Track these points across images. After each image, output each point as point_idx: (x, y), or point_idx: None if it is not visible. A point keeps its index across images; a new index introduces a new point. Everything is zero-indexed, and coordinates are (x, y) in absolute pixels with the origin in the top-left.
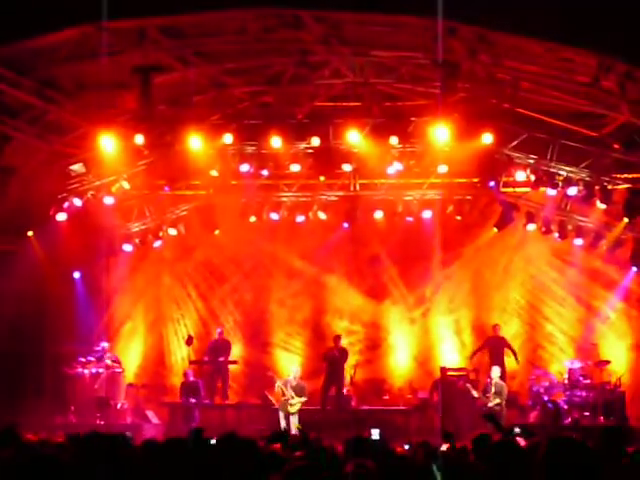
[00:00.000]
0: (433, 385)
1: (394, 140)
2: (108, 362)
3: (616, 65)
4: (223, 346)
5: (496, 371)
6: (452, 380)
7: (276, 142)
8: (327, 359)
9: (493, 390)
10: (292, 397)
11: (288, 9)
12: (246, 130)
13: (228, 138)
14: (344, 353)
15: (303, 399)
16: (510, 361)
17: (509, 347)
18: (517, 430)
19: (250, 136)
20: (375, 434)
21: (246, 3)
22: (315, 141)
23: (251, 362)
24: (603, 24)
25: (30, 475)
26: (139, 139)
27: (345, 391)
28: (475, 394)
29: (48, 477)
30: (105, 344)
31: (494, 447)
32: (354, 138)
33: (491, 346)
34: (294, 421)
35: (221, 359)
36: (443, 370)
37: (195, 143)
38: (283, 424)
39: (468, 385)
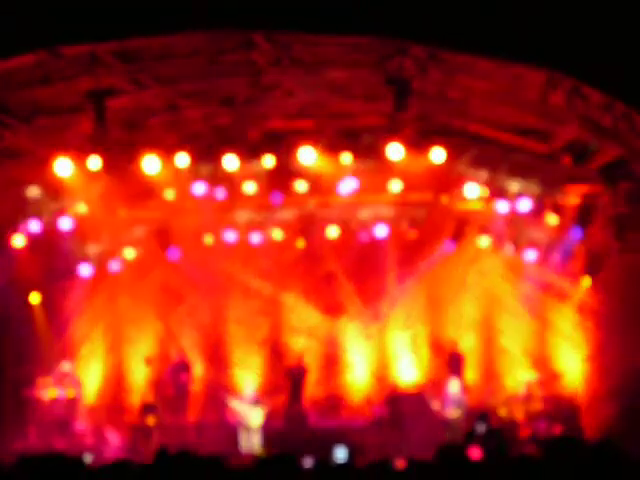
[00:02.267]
0: (385, 401)
1: (347, 157)
2: (69, 383)
3: (564, 81)
4: (182, 366)
5: (455, 384)
6: (406, 395)
7: (230, 162)
8: (289, 377)
9: (453, 404)
10: (250, 411)
11: (240, 31)
12: (201, 151)
13: (184, 159)
14: (305, 371)
15: (262, 410)
16: (467, 375)
17: (462, 364)
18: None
19: (205, 157)
20: (340, 453)
21: (198, 26)
22: (268, 161)
23: (210, 381)
24: (551, 40)
25: None
26: (94, 163)
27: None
28: (435, 406)
29: None
30: (67, 365)
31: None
32: (308, 156)
33: (450, 361)
34: (255, 440)
35: (182, 378)
36: (393, 385)
37: (151, 165)
38: (244, 441)
39: (428, 398)
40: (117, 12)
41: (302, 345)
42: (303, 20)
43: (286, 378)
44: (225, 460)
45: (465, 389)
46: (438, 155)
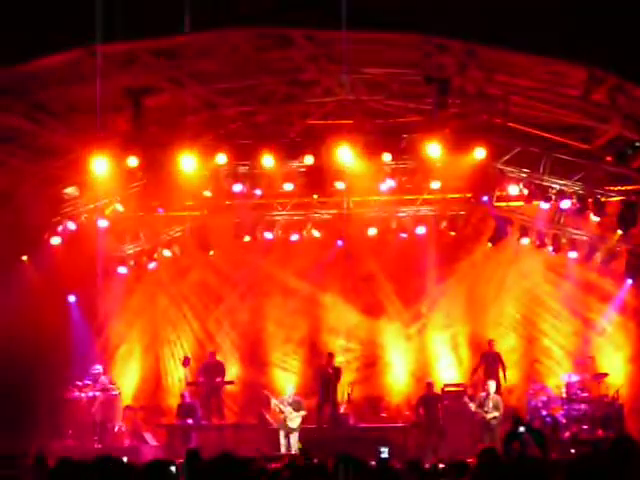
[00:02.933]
0: (419, 401)
1: (387, 157)
2: (103, 385)
3: (607, 78)
4: (215, 367)
5: (492, 385)
6: (438, 395)
7: (268, 161)
8: (320, 378)
9: (491, 404)
10: (290, 413)
11: (278, 28)
12: (239, 150)
13: (221, 158)
14: (338, 371)
15: (302, 413)
16: (508, 376)
17: (502, 364)
18: (522, 429)
19: (243, 156)
20: (384, 452)
21: (236, 24)
22: (308, 159)
23: (248, 382)
24: (594, 37)
25: None
26: (132, 161)
27: (342, 409)
28: (473, 408)
29: None
30: (99, 367)
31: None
32: (346, 156)
33: (486, 361)
34: (294, 440)
35: (218, 379)
36: (429, 385)
37: (188, 164)
38: (283, 443)
39: (466, 399)
40: (155, 10)
41: (340, 346)
42: (341, 18)
43: (316, 380)
44: (264, 462)
45: (504, 390)
46: (479, 153)
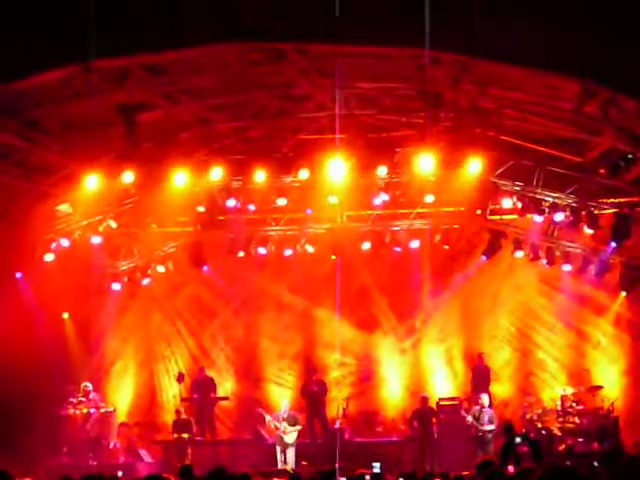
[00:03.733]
0: (413, 415)
1: (382, 171)
2: (95, 402)
3: (599, 91)
4: (206, 382)
5: (485, 399)
6: (433, 409)
7: (261, 176)
8: (305, 394)
9: (486, 418)
10: (285, 428)
11: (270, 43)
12: (232, 165)
13: (214, 174)
14: (322, 386)
15: (298, 427)
16: (502, 389)
17: (489, 378)
18: (518, 440)
19: (236, 171)
20: (376, 467)
21: (227, 38)
22: (303, 174)
23: (243, 398)
24: (586, 50)
25: None
26: (126, 177)
27: (338, 424)
28: (470, 420)
29: None
30: (88, 384)
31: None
32: (339, 170)
33: (476, 374)
34: (291, 455)
35: (210, 395)
36: (424, 399)
37: (181, 180)
38: (280, 458)
39: (463, 413)
40: (148, 26)
41: (335, 361)
42: (334, 32)
43: (304, 396)
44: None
45: (499, 403)
46: (472, 167)
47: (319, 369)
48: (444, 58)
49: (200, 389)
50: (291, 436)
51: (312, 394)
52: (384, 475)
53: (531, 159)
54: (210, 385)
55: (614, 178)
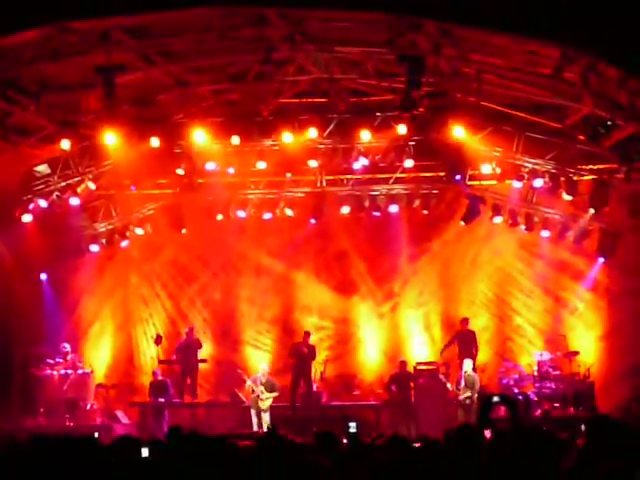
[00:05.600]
0: (390, 379)
1: (365, 135)
2: (73, 363)
3: (579, 57)
4: (193, 344)
5: (468, 364)
6: (411, 373)
7: (241, 140)
8: (295, 355)
9: (463, 383)
10: (262, 393)
11: (252, 7)
12: (212, 128)
13: (194, 136)
14: (312, 350)
15: (274, 394)
16: (479, 355)
17: (475, 343)
18: (496, 399)
19: (216, 134)
20: (352, 427)
21: (210, 1)
22: (286, 137)
23: (221, 360)
24: (566, 16)
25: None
26: (105, 139)
27: (315, 387)
28: (449, 387)
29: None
30: (67, 345)
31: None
32: (318, 134)
33: (460, 340)
34: (266, 418)
35: (194, 358)
36: (402, 364)
37: (160, 142)
38: (255, 421)
39: (442, 377)
40: None
41: (313, 324)
42: None
43: (293, 357)
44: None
45: (477, 368)
46: (454, 132)
47: (311, 333)
48: (425, 24)
49: (185, 351)
50: (267, 402)
51: (302, 355)
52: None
53: (511, 125)
54: (196, 347)
55: (593, 145)
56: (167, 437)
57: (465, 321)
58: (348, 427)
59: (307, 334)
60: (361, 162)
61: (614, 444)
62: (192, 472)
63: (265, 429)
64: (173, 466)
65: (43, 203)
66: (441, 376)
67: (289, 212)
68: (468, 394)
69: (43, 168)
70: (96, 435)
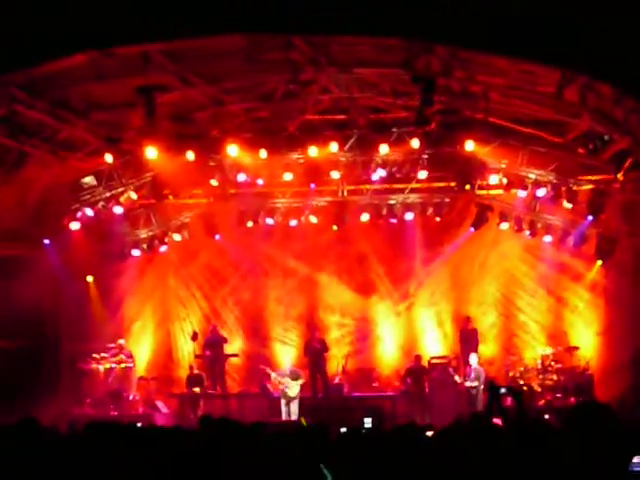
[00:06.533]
0: (406, 372)
1: (383, 148)
2: (123, 357)
3: (577, 77)
4: (219, 340)
5: (474, 357)
6: (425, 367)
7: (269, 153)
8: (308, 352)
9: (473, 375)
10: (289, 382)
11: (282, 34)
12: (242, 143)
13: (227, 150)
14: (323, 344)
15: (300, 381)
16: (487, 349)
17: (476, 339)
18: (503, 390)
19: (246, 148)
20: (368, 422)
21: (241, 29)
22: (310, 151)
23: (251, 355)
24: (565, 38)
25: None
26: (146, 153)
27: (337, 379)
28: (457, 379)
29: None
30: (122, 341)
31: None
32: (340, 148)
33: (463, 336)
34: (293, 408)
35: (220, 352)
36: (418, 358)
37: (195, 156)
38: (284, 410)
39: (451, 370)
40: (166, 14)
41: (335, 322)
42: (338, 23)
43: (305, 355)
44: (265, 427)
45: (484, 362)
46: (464, 146)
47: (320, 328)
48: (436, 48)
49: (212, 346)
50: (294, 390)
51: (315, 351)
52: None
53: (516, 139)
54: (222, 343)
55: (591, 157)
56: (199, 424)
57: (468, 319)
58: (363, 423)
59: (316, 330)
60: (379, 173)
61: (605, 431)
62: (224, 457)
63: (295, 418)
64: (206, 453)
65: (89, 212)
66: (450, 369)
67: (313, 219)
68: (475, 384)
69: (89, 180)
70: (139, 425)
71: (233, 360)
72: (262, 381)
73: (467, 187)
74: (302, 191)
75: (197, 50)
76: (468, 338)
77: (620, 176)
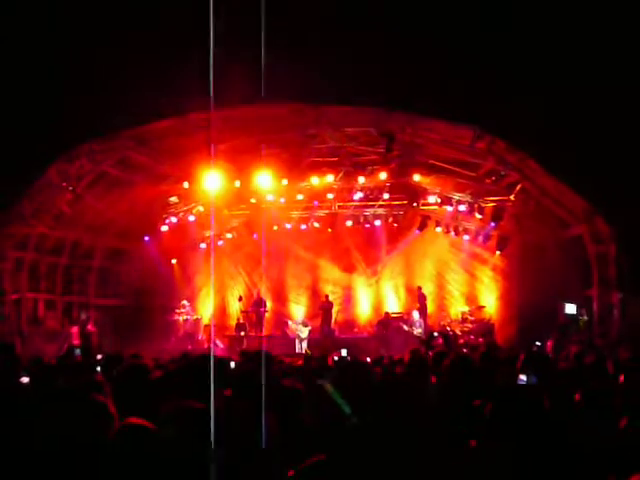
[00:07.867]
0: (378, 323)
1: (361, 179)
2: (190, 312)
3: (484, 135)
4: (261, 300)
5: (416, 314)
6: (391, 319)
7: (288, 181)
8: (322, 309)
9: (417, 324)
10: (301, 328)
11: (303, 104)
12: (271, 174)
13: (260, 179)
14: (330, 304)
15: (309, 328)
16: (428, 308)
17: (425, 302)
18: (436, 334)
19: (273, 178)
20: (344, 352)
21: (272, 101)
22: (314, 180)
23: (277, 311)
24: (477, 108)
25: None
26: (210, 181)
27: (332, 326)
28: (406, 328)
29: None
30: (186, 302)
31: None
32: (333, 179)
33: (418, 300)
34: (304, 345)
35: (261, 309)
36: (387, 314)
37: (240, 183)
38: (298, 347)
39: (401, 323)
40: (234, 88)
41: (330, 290)
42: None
43: (319, 310)
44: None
45: (426, 316)
46: (413, 177)
47: (328, 295)
48: (394, 114)
49: (256, 304)
50: (304, 333)
51: (325, 308)
52: (350, 357)
53: (446, 173)
54: (262, 302)
55: (494, 185)
56: (240, 356)
57: (419, 288)
58: (340, 351)
59: (326, 296)
60: (358, 195)
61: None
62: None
63: (304, 351)
64: (246, 372)
65: (174, 219)
66: (400, 322)
67: (316, 224)
68: (419, 331)
69: (174, 199)
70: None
71: (266, 314)
72: (283, 327)
73: (414, 204)
74: (309, 206)
75: (245, 115)
76: (421, 301)
77: (512, 197)
